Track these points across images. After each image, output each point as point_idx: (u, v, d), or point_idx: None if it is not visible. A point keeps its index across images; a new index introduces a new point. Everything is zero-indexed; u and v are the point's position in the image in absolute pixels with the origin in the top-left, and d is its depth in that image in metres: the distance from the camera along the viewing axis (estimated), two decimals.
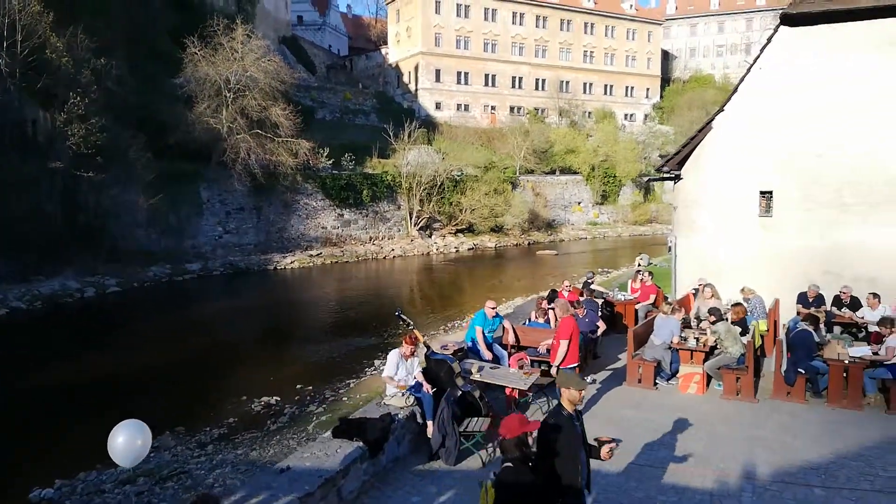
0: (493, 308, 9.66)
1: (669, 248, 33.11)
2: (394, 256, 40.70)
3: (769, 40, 12.21)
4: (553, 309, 10.73)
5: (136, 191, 28.34)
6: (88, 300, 24.54)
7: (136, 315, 23.46)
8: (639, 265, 28.17)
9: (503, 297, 28.39)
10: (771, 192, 12.34)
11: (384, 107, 57.83)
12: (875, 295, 10.89)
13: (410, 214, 43.95)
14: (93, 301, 24.55)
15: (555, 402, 9.27)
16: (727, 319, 9.83)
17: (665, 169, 13.59)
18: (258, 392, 14.02)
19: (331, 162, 41.08)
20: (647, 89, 73.75)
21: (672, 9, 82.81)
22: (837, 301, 11.53)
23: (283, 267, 34.84)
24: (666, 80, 77.19)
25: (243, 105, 34.01)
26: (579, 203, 55.58)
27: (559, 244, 48.98)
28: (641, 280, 14.04)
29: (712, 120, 12.89)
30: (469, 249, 44.53)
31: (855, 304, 11.31)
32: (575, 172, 55.98)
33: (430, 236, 45.00)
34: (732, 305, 10.42)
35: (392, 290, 32.28)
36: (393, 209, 44.10)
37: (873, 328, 10.52)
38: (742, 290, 12.12)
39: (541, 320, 10.83)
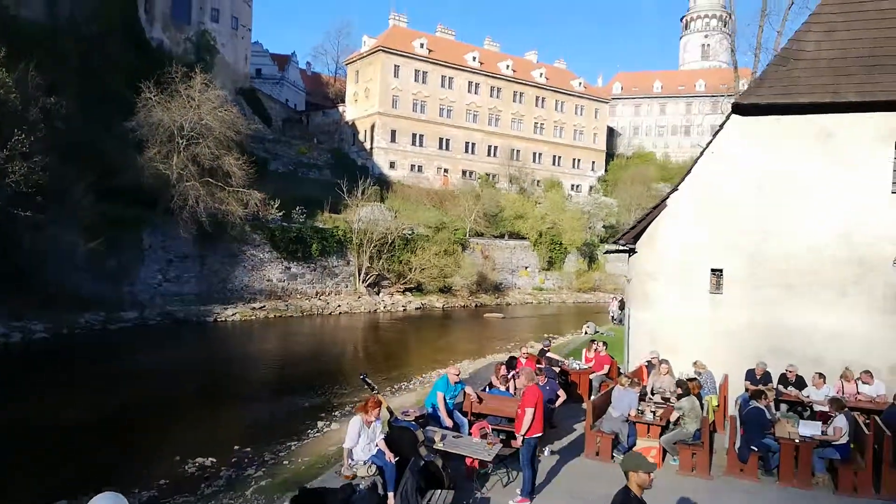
0: (457, 374, 9.51)
1: (612, 318, 33.81)
2: (340, 312, 40.01)
3: (721, 126, 12.97)
4: (514, 377, 10.65)
5: (76, 233, 27.14)
6: (12, 346, 22.93)
7: (64, 365, 21.98)
8: (585, 332, 28.63)
9: (451, 360, 28.12)
10: (721, 270, 12.83)
11: (338, 162, 58.13)
12: (820, 375, 11.31)
13: (359, 270, 43.59)
14: (16, 347, 22.96)
15: (515, 472, 9.12)
16: (690, 395, 9.95)
17: (621, 242, 13.98)
18: (193, 452, 13.20)
19: (281, 214, 40.62)
20: (593, 162, 76.99)
21: (618, 88, 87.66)
22: (784, 379, 11.90)
23: (223, 319, 33.65)
24: (611, 154, 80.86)
25: (196, 153, 33.47)
26: (526, 268, 56.46)
27: (506, 307, 49.29)
28: (596, 350, 14.17)
29: (667, 198, 13.43)
30: (417, 309, 44.27)
31: (800, 383, 11.70)
32: (523, 238, 57.12)
33: (377, 293, 44.59)
34: (688, 380, 10.59)
35: (337, 348, 31.57)
36: (342, 264, 43.69)
37: (818, 407, 10.88)
38: (695, 363, 12.38)
39: (502, 388, 10.71)
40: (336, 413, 17.85)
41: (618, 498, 4.64)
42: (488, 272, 51.53)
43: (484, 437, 8.79)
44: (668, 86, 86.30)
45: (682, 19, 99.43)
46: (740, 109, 12.53)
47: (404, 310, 43.38)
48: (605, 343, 14.72)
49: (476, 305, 47.92)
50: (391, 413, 7.99)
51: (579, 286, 57.97)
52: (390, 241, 43.99)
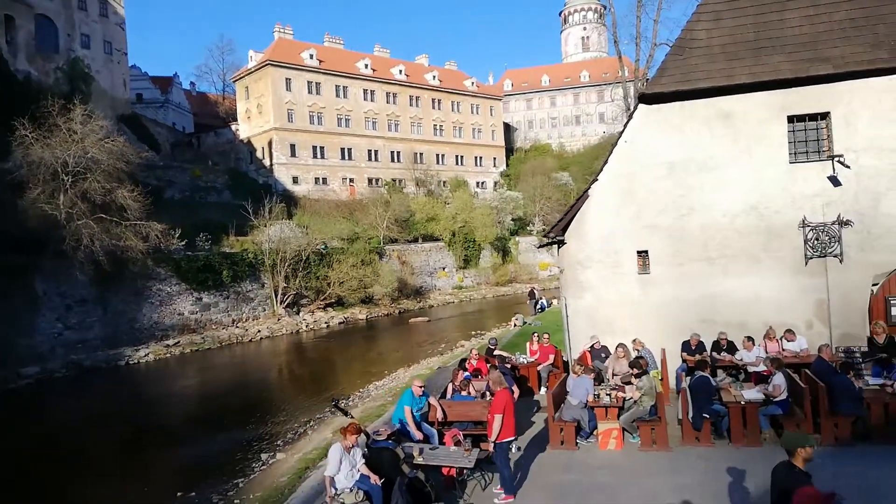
0: (421, 387, 9.46)
1: (536, 304, 34.64)
2: (261, 338, 38.68)
3: (630, 117, 13.68)
4: (470, 379, 10.73)
5: None
6: None
7: None
8: (514, 324, 29.27)
9: (384, 371, 27.97)
10: (646, 251, 13.53)
11: (238, 183, 56.07)
12: (749, 338, 12.18)
13: (276, 292, 42.27)
14: None
15: (490, 474, 9.19)
16: (648, 373, 10.41)
17: (550, 235, 14.42)
18: None
19: (184, 243, 38.62)
20: (494, 158, 78.78)
21: (509, 85, 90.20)
22: (716, 346, 12.72)
23: (136, 361, 31.76)
24: (510, 149, 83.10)
25: (84, 188, 31.20)
26: (444, 268, 56.92)
27: (429, 310, 49.47)
28: (539, 342, 14.52)
29: (588, 188, 13.99)
30: (340, 323, 43.52)
31: (731, 348, 12.54)
32: (437, 239, 57.52)
33: (297, 313, 43.44)
34: (637, 359, 11.08)
35: (262, 375, 30.52)
36: (256, 288, 42.19)
37: (752, 369, 11.72)
38: (633, 342, 12.99)
39: (463, 392, 10.75)
40: (278, 442, 17.28)
41: (781, 473, 4.94)
42: (407, 277, 51.50)
43: (458, 444, 8.82)
44: (555, 79, 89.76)
45: (560, 14, 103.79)
46: (646, 99, 13.26)
47: (327, 326, 42.54)
48: (547, 334, 15.10)
49: (400, 312, 47.75)
50: (367, 435, 7.83)
51: (497, 280, 59.13)
52: (305, 258, 42.96)
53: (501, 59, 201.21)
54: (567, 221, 14.23)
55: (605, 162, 13.88)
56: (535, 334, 15.18)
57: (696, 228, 13.12)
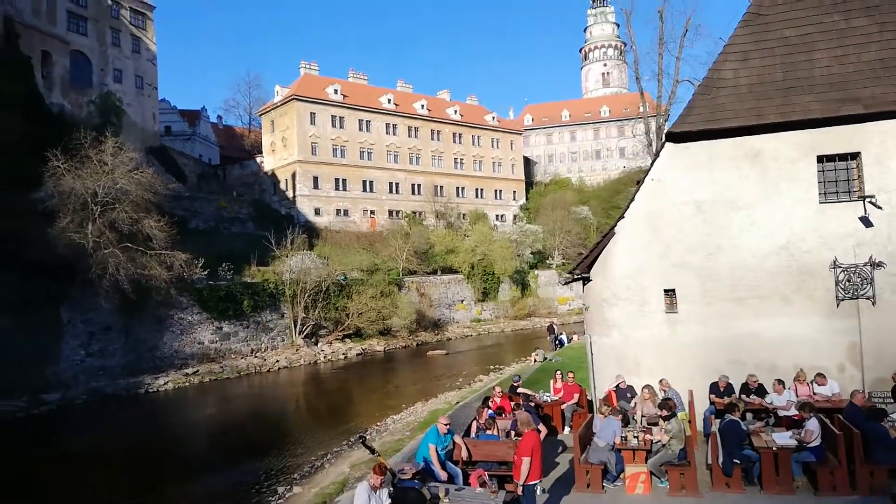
0: (446, 424, 9.33)
1: (556, 339, 34.27)
2: (279, 368, 38.67)
3: (657, 154, 13.67)
4: (494, 417, 10.57)
5: None
6: None
7: None
8: (535, 360, 28.94)
9: (402, 404, 27.75)
10: (674, 290, 13.35)
11: (261, 214, 56.79)
12: (780, 381, 11.90)
13: (295, 322, 42.38)
14: None
15: None
16: (676, 416, 10.19)
17: (576, 272, 14.32)
18: None
19: (206, 273, 38.97)
20: (514, 192, 79.07)
21: (529, 120, 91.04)
22: (746, 388, 12.43)
23: (155, 389, 31.89)
24: (530, 183, 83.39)
25: (112, 218, 31.81)
26: (462, 301, 56.74)
27: (447, 343, 49.19)
28: (563, 380, 14.31)
29: (615, 226, 13.92)
30: (358, 355, 43.41)
31: (761, 391, 12.25)
32: (456, 271, 57.49)
33: (316, 344, 43.42)
34: (663, 400, 10.86)
35: (280, 406, 30.50)
36: (276, 318, 42.35)
37: (783, 412, 11.42)
38: (660, 382, 12.75)
39: (489, 431, 10.59)
40: (295, 475, 17.14)
41: None
42: (426, 309, 51.38)
43: (483, 485, 8.65)
44: (575, 114, 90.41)
45: (580, 50, 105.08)
46: (674, 137, 13.25)
47: (345, 357, 42.45)
48: (571, 372, 14.88)
49: (417, 344, 47.53)
50: (393, 475, 7.71)
51: (515, 314, 58.74)
52: (325, 289, 43.13)
53: (522, 94, 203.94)
54: (593, 258, 14.13)
55: (632, 199, 13.82)
56: (559, 371, 14.97)
57: (724, 268, 12.94)
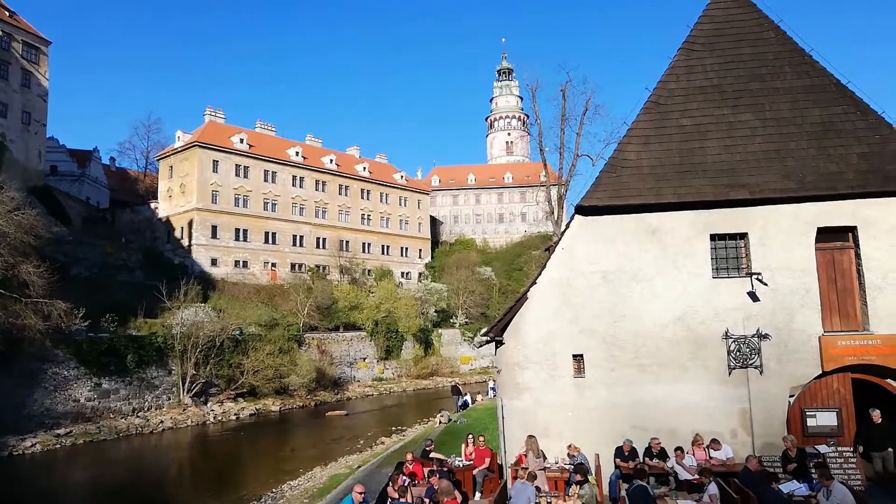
0: (361, 493, 8.97)
1: (458, 401, 34.26)
2: (163, 430, 36.05)
3: (568, 225, 14.35)
4: (411, 485, 10.29)
5: None
6: None
7: None
8: (440, 421, 28.68)
9: (300, 468, 26.61)
10: (582, 355, 13.81)
11: (152, 262, 53.66)
12: (679, 448, 12.47)
13: (183, 380, 39.82)
14: None
15: None
16: (588, 481, 10.34)
17: (490, 335, 14.52)
18: None
19: (87, 324, 36.01)
20: (420, 250, 79.83)
21: (436, 181, 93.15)
22: (649, 452, 12.88)
23: (20, 452, 29.12)
24: (435, 242, 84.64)
25: None
26: (364, 359, 55.67)
27: (347, 403, 47.83)
28: (475, 444, 14.23)
29: (527, 291, 14.34)
30: (251, 415, 41.25)
31: (663, 455, 12.75)
32: (359, 328, 56.57)
33: (205, 403, 40.89)
34: (577, 465, 11.03)
35: (160, 471, 28.29)
36: (163, 374, 39.65)
37: (683, 476, 11.93)
38: (569, 447, 12.98)
39: (403, 499, 10.25)
40: None
41: None
42: (326, 367, 49.91)
43: None
44: (480, 178, 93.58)
45: (486, 119, 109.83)
46: (583, 211, 14.00)
47: (237, 418, 40.21)
48: (482, 436, 14.83)
49: (316, 404, 45.84)
50: None
51: (418, 373, 58.26)
52: (219, 344, 40.95)
53: (430, 155, 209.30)
54: (506, 322, 14.41)
55: (544, 266, 14.35)
56: (471, 435, 14.88)
57: (628, 335, 13.58)
